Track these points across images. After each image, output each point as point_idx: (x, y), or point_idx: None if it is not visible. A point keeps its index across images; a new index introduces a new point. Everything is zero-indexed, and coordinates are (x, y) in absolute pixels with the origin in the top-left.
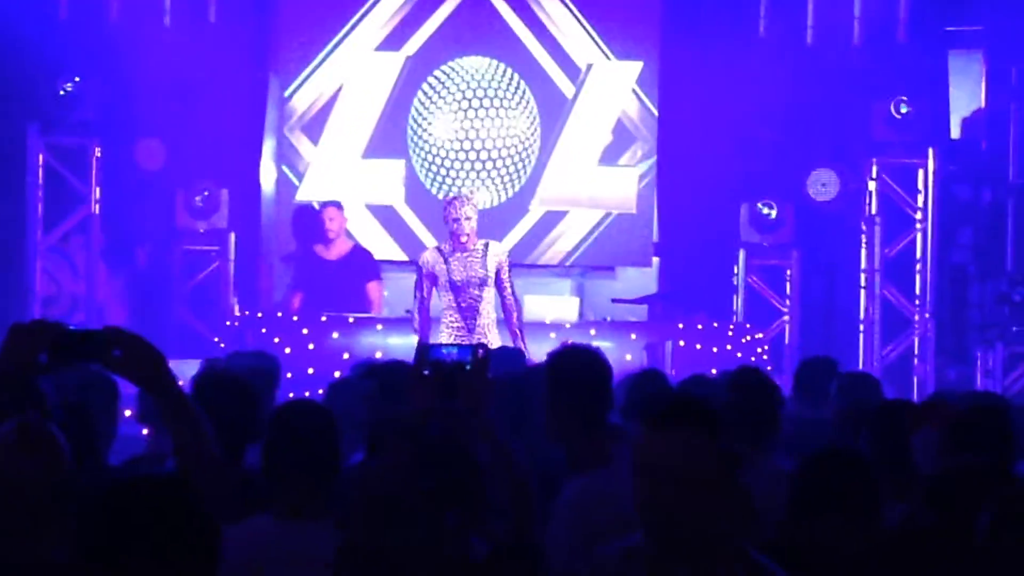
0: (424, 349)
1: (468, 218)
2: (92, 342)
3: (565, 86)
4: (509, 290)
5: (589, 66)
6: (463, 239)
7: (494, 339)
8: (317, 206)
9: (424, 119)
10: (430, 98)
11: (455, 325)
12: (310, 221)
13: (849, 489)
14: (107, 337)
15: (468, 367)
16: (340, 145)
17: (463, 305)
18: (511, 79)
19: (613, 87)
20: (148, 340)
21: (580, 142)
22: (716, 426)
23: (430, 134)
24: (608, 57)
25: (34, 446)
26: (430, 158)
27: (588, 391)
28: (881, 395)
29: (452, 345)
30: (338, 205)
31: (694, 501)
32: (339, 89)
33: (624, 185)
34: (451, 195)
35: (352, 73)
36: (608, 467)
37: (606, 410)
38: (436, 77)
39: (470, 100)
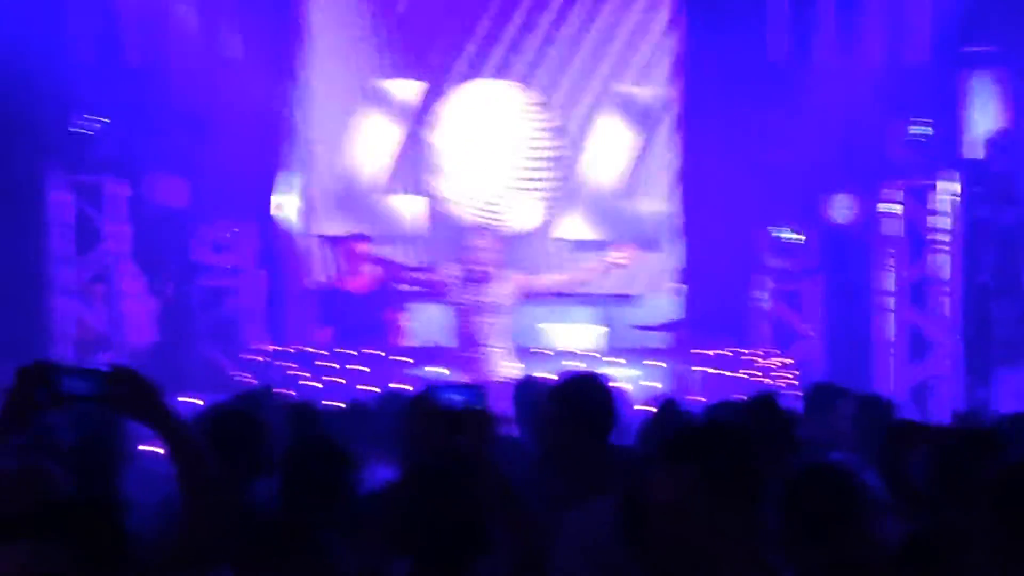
0: (428, 390)
1: (485, 250)
2: (90, 380)
3: (585, 115)
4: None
5: (609, 95)
6: (483, 270)
7: (507, 367)
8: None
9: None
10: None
11: (460, 353)
12: (336, 254)
13: (833, 507)
14: (105, 374)
15: (472, 406)
16: (362, 177)
17: (471, 331)
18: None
19: (632, 115)
20: (143, 375)
21: (599, 173)
22: (718, 458)
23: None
24: (628, 87)
25: (28, 482)
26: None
27: (591, 418)
28: (893, 416)
29: (455, 385)
30: (364, 238)
31: (690, 536)
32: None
33: (641, 216)
34: (472, 227)
35: (371, 102)
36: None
37: (607, 435)
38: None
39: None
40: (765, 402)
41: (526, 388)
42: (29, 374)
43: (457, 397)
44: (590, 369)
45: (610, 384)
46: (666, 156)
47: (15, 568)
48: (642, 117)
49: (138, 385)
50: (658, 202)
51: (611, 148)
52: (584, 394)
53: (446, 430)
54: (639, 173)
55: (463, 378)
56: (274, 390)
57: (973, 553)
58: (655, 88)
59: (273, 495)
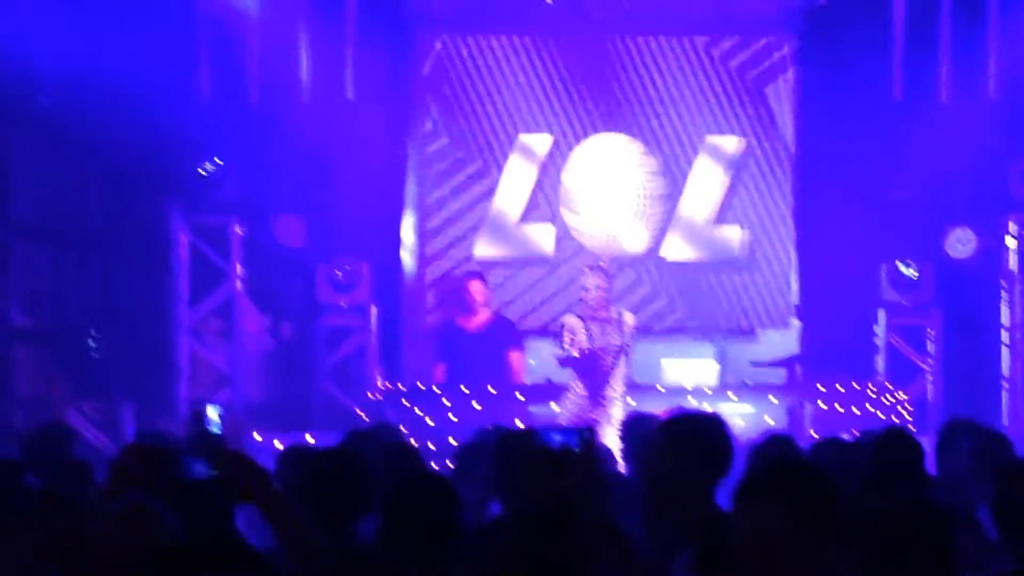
0: (530, 433)
1: (599, 287)
2: (204, 463)
3: (684, 156)
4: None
5: (706, 144)
6: (596, 307)
7: (618, 411)
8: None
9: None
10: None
11: (582, 393)
12: (452, 292)
13: (916, 545)
14: (217, 458)
15: (575, 449)
16: (501, 212)
17: (596, 373)
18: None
19: (725, 157)
20: (250, 458)
21: (697, 206)
22: (794, 497)
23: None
24: (722, 138)
25: (132, 523)
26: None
27: (702, 457)
28: (1013, 453)
29: (559, 428)
30: (481, 277)
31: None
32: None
33: (736, 243)
34: (586, 267)
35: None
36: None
37: (719, 476)
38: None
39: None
40: (895, 437)
41: (634, 425)
42: (144, 455)
43: (557, 438)
44: (702, 406)
45: (725, 422)
46: (770, 190)
47: None
48: (735, 160)
49: (248, 470)
50: (753, 231)
51: (706, 185)
52: (695, 432)
53: (545, 472)
54: (732, 205)
55: (578, 416)
56: (386, 428)
57: None
58: (756, 128)
59: (375, 535)
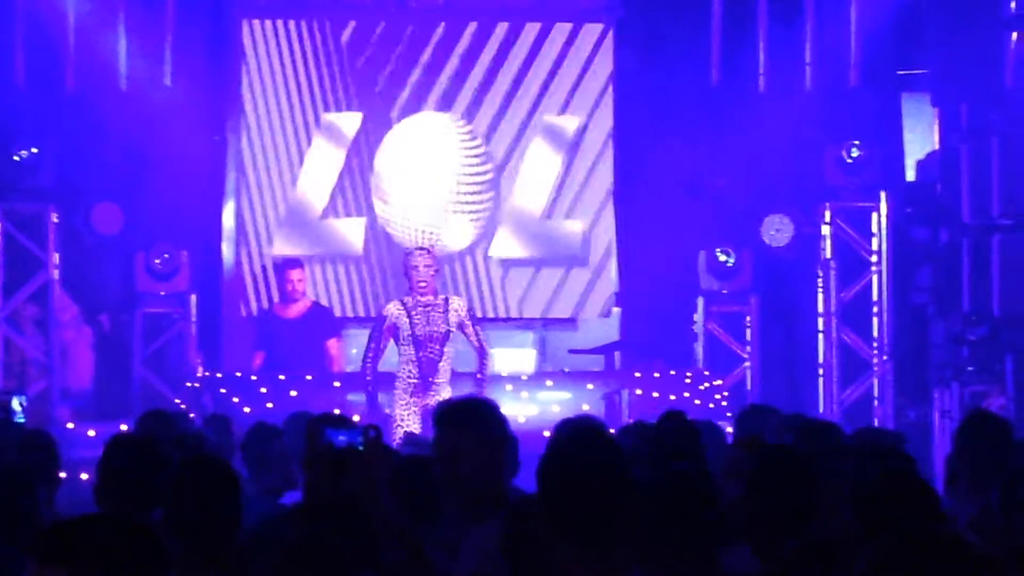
0: (314, 432)
1: (428, 266)
2: None
3: (514, 141)
4: (476, 340)
5: (538, 124)
6: (422, 287)
7: (448, 395)
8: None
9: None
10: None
11: (412, 381)
12: (271, 280)
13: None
14: None
15: (360, 448)
16: (304, 203)
17: (423, 359)
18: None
19: (558, 142)
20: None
21: (530, 197)
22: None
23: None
24: (555, 116)
25: None
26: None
27: (481, 445)
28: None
29: (344, 427)
30: (300, 264)
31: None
32: (298, 149)
33: (568, 237)
34: (412, 246)
35: (314, 131)
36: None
37: (498, 465)
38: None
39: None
40: (673, 420)
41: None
42: None
43: (342, 438)
44: (519, 394)
45: (494, 404)
46: (597, 179)
47: None
48: (569, 143)
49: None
50: (587, 224)
51: (538, 173)
52: (469, 418)
53: (330, 471)
54: (566, 196)
55: (409, 404)
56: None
57: None
58: (584, 115)
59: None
